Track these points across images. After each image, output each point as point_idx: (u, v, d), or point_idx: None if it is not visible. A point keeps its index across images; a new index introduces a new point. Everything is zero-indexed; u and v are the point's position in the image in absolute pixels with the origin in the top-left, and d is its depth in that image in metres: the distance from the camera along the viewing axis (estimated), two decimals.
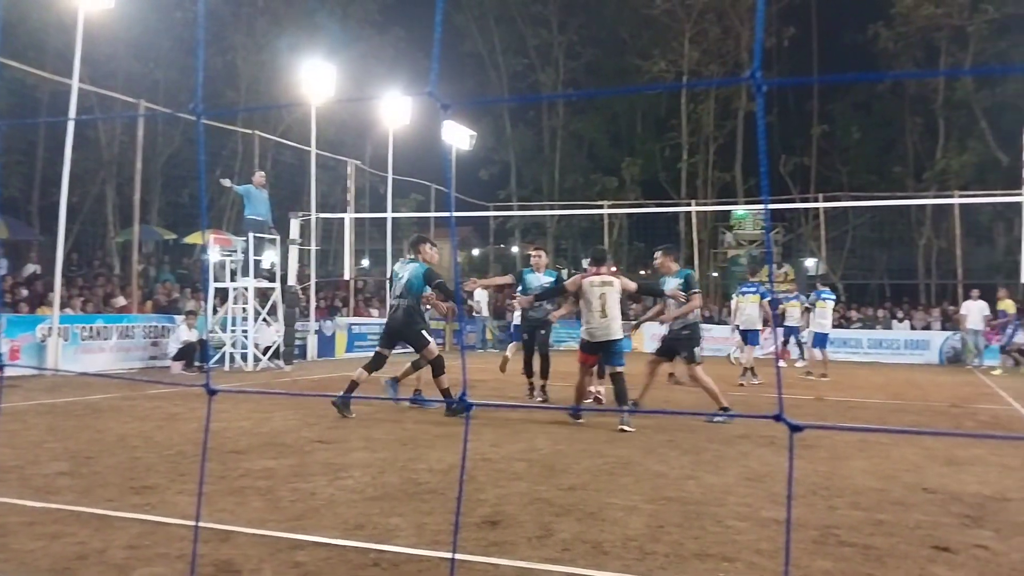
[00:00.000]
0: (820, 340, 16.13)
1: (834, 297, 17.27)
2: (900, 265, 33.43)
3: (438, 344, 24.43)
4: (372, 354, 9.77)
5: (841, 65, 33.06)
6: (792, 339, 18.15)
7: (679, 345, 9.50)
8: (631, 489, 5.65)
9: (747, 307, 14.73)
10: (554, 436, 7.90)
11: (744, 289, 15.22)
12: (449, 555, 4.03)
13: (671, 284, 9.48)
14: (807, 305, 16.66)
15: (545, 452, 7.05)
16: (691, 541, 4.43)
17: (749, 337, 14.75)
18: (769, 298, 14.85)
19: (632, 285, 9.29)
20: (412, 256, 9.74)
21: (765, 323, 15.13)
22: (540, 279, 10.33)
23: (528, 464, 6.47)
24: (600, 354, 8.97)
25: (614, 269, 10.05)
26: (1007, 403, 12.03)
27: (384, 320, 21.86)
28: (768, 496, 5.51)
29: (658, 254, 9.82)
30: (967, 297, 21.28)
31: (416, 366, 9.80)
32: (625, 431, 8.24)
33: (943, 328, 23.41)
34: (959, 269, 25.41)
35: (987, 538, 4.60)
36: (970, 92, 28.80)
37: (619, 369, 8.78)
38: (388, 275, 24.44)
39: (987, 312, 20.98)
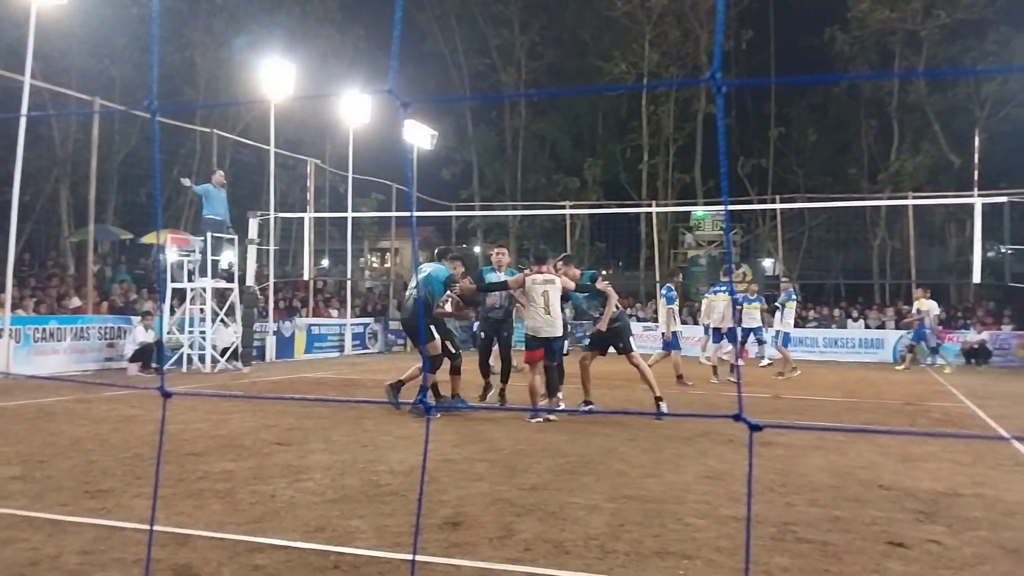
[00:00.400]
0: (787, 339, 16.41)
1: (796, 298, 17.61)
2: (855, 265, 33.96)
3: (399, 344, 24.33)
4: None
5: (798, 68, 33.50)
6: (752, 337, 18.31)
7: (612, 338, 9.70)
8: (592, 488, 5.68)
9: (719, 305, 14.87)
10: (515, 436, 7.91)
11: (716, 289, 15.39)
12: (410, 557, 4.02)
13: (585, 286, 9.80)
14: (777, 305, 16.84)
15: (506, 452, 7.06)
16: (651, 539, 4.47)
17: (726, 335, 14.84)
18: (736, 297, 15.06)
19: (572, 285, 9.54)
20: (444, 264, 9.96)
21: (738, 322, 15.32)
22: (500, 278, 10.28)
23: (489, 464, 6.47)
24: (543, 349, 9.20)
25: (577, 271, 10.13)
26: (959, 400, 12.28)
27: (337, 321, 21.72)
28: (727, 494, 5.56)
29: (559, 264, 9.93)
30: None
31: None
32: (550, 420, 8.85)
33: (897, 327, 23.82)
34: (912, 269, 25.87)
35: (940, 533, 4.69)
36: (923, 95, 29.36)
37: (553, 364, 9.31)
38: (348, 275, 24.42)
39: (937, 311, 21.40)
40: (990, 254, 23.59)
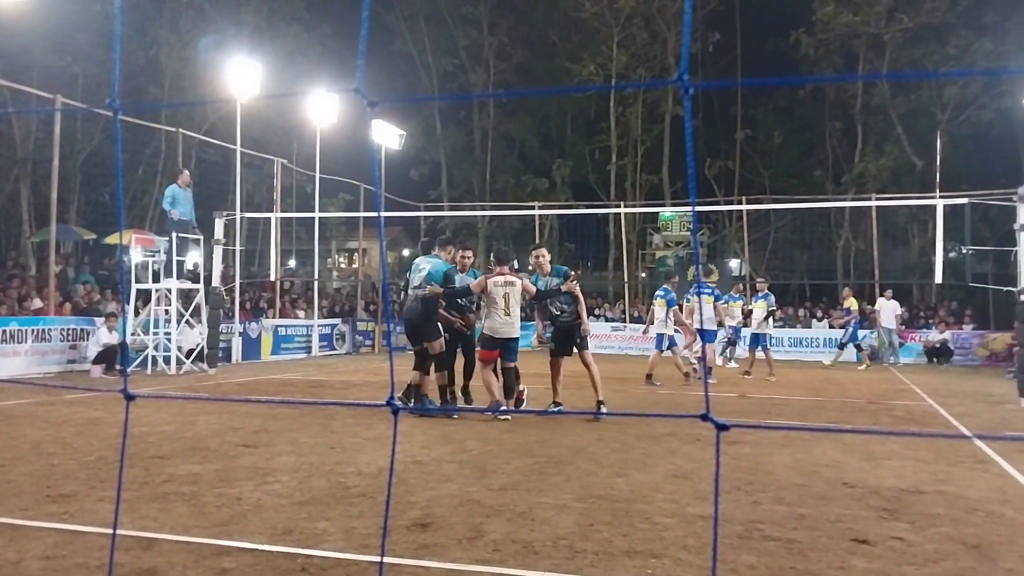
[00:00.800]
0: (767, 341, 16.48)
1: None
2: (819, 265, 34.35)
3: (367, 345, 24.20)
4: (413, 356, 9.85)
5: (764, 70, 33.88)
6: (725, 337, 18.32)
7: (571, 336, 9.66)
8: (561, 488, 5.69)
9: (704, 308, 14.80)
10: (484, 437, 7.91)
11: (698, 291, 15.31)
12: (378, 558, 4.00)
13: (553, 282, 9.68)
14: (772, 308, 16.87)
15: (475, 453, 7.05)
16: (620, 539, 4.48)
17: (706, 336, 14.74)
18: (723, 300, 15.10)
19: (532, 289, 9.61)
20: (436, 253, 9.97)
21: (719, 324, 15.30)
22: (464, 279, 10.25)
23: (458, 465, 6.46)
24: (499, 350, 9.29)
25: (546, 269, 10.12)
26: (922, 399, 12.46)
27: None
28: (694, 492, 5.60)
29: (543, 250, 9.91)
30: (881, 296, 21.98)
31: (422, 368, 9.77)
32: (506, 419, 8.92)
33: (861, 326, 24.09)
34: (876, 269, 26.23)
35: (903, 530, 4.76)
36: (887, 98, 29.79)
37: (511, 364, 9.41)
38: (316, 276, 24.22)
39: (899, 311, 21.71)
40: (952, 255, 24.01)
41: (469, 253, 10.86)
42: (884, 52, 29.82)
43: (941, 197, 16.29)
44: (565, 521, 4.81)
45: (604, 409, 9.34)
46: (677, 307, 14.51)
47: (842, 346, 20.25)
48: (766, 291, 17.02)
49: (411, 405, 9.55)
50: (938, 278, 13.68)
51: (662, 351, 14.40)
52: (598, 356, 10.02)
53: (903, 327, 22.66)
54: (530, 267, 10.51)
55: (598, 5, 31.33)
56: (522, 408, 9.82)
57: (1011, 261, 14.54)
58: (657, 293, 14.91)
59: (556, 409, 9.41)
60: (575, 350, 9.78)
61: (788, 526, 4.79)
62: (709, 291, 15.00)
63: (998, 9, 27.89)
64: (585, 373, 9.66)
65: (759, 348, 16.38)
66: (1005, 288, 14.17)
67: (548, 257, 9.98)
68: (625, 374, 15.87)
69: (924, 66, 28.51)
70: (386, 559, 4.02)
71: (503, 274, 9.35)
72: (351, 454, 6.88)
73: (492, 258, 9.79)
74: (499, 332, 9.22)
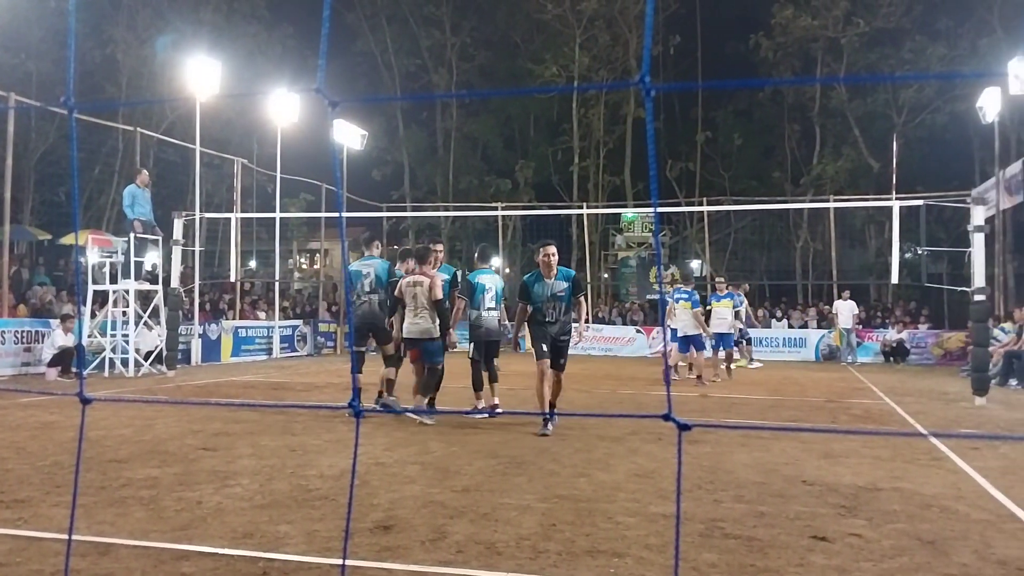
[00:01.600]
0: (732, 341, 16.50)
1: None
2: (779, 266, 34.77)
3: (329, 347, 24.03)
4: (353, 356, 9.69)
5: (724, 73, 34.26)
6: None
7: (564, 349, 9.05)
8: (524, 488, 5.70)
9: (683, 313, 14.65)
10: (448, 438, 7.89)
11: (678, 295, 15.11)
12: (340, 561, 3.98)
13: (557, 287, 8.87)
14: (738, 308, 16.92)
15: (439, 455, 7.04)
16: (582, 538, 4.50)
17: (693, 341, 14.54)
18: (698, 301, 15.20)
19: (438, 293, 9.06)
20: (370, 253, 9.93)
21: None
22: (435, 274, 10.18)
23: (421, 467, 6.45)
24: (416, 350, 9.31)
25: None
26: (878, 397, 12.66)
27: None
28: (656, 491, 5.64)
29: (553, 248, 9.06)
30: (839, 297, 22.31)
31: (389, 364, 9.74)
32: (425, 424, 8.77)
33: (819, 326, 24.46)
34: (834, 270, 26.61)
35: (861, 526, 4.83)
36: (844, 101, 30.27)
37: (435, 365, 9.29)
38: (277, 277, 24.00)
39: (856, 311, 22.04)
40: (907, 255, 24.40)
41: (440, 247, 10.73)
42: (841, 56, 30.32)
43: (897, 199, 16.53)
44: (528, 521, 4.82)
45: (556, 419, 8.87)
46: (699, 309, 14.46)
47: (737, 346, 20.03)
48: (729, 291, 16.88)
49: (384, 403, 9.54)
50: (894, 278, 13.87)
51: (704, 348, 14.48)
52: None
53: (860, 327, 23.02)
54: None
55: (560, 7, 31.45)
56: (498, 411, 9.67)
57: (965, 262, 14.83)
58: (679, 297, 14.48)
59: (547, 412, 8.75)
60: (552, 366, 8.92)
61: (748, 524, 4.85)
62: (687, 297, 14.84)
63: (951, 14, 28.49)
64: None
65: (728, 347, 16.23)
66: (959, 288, 14.42)
67: (557, 257, 8.83)
68: (590, 373, 15.94)
69: (880, 70, 29.03)
70: (348, 562, 3.99)
71: (415, 273, 9.27)
72: (313, 456, 6.83)
73: (412, 257, 9.62)
74: (409, 332, 9.19)
